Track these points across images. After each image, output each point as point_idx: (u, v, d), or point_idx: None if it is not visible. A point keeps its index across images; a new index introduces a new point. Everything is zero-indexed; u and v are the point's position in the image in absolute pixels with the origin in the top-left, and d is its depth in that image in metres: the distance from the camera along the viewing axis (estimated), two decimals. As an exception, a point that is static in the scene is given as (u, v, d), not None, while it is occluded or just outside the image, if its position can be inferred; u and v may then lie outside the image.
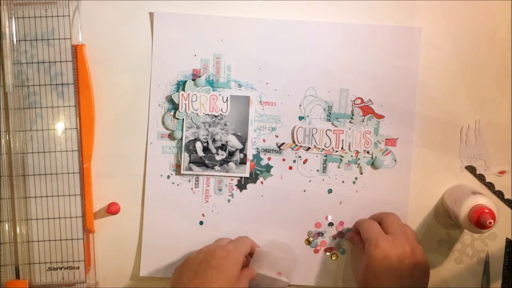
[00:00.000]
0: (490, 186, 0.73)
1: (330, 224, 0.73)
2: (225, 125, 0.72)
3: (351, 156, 0.73)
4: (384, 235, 0.66)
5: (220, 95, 0.72)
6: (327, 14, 0.72)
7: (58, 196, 0.71)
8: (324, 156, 0.73)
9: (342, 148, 0.72)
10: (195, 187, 0.73)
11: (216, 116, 0.72)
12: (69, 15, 0.70)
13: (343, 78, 0.72)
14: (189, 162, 0.72)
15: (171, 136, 0.73)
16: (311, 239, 0.73)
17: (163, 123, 0.73)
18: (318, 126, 0.73)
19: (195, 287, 0.62)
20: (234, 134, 0.72)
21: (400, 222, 0.69)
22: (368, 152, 0.73)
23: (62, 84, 0.71)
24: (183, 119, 0.72)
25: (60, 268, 0.72)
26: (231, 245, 0.67)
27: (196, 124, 0.72)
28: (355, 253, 0.72)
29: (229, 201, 0.73)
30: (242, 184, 0.73)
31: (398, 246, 0.64)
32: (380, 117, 0.72)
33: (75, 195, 0.71)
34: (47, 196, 0.71)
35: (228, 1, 0.72)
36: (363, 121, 0.72)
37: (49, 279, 0.71)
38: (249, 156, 0.73)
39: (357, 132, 0.72)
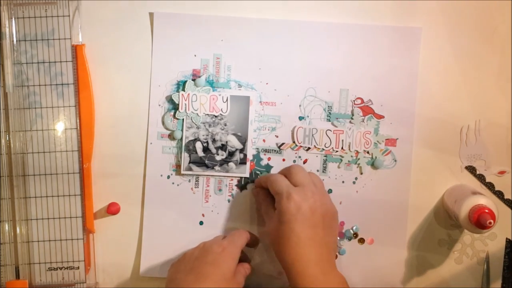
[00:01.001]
0: (490, 186, 0.73)
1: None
2: (225, 125, 0.72)
3: (351, 156, 0.73)
4: (294, 188, 0.66)
5: (220, 95, 0.72)
6: (327, 14, 0.72)
7: (58, 196, 0.71)
8: (324, 156, 0.73)
9: (342, 148, 0.72)
10: (195, 187, 0.73)
11: (216, 116, 0.72)
12: (69, 15, 0.70)
13: (343, 78, 0.72)
14: (189, 162, 0.72)
15: (171, 136, 0.73)
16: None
17: (163, 123, 0.73)
18: (318, 126, 0.73)
19: (191, 283, 0.62)
20: (234, 134, 0.72)
21: (306, 173, 0.68)
22: (368, 152, 0.73)
23: (62, 84, 0.71)
24: (183, 119, 0.72)
25: (60, 268, 0.72)
26: (227, 241, 0.67)
27: (196, 124, 0.72)
28: (260, 210, 0.71)
29: (229, 201, 0.73)
30: (242, 184, 0.73)
31: (309, 196, 0.65)
32: (380, 117, 0.72)
33: (75, 195, 0.71)
34: (47, 196, 0.71)
35: (228, 1, 0.72)
36: (363, 121, 0.72)
37: (49, 279, 0.71)
38: (249, 156, 0.73)
39: (357, 132, 0.72)
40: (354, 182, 0.73)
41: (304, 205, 0.64)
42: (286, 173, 0.69)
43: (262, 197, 0.70)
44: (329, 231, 0.66)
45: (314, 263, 0.63)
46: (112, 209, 0.72)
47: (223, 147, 0.72)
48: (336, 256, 0.73)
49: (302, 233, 0.63)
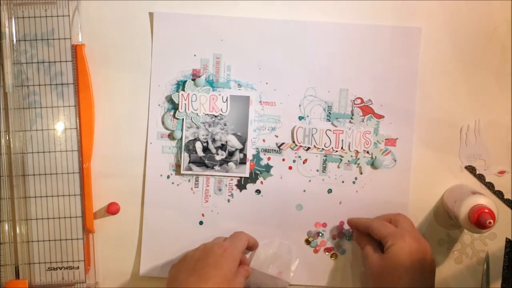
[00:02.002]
0: (490, 186, 0.73)
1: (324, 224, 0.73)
2: (225, 125, 0.72)
3: (351, 156, 0.73)
4: (408, 231, 0.66)
5: (220, 95, 0.72)
6: (327, 14, 0.72)
7: (58, 196, 0.71)
8: (324, 156, 0.73)
9: (342, 148, 0.72)
10: (195, 187, 0.73)
11: (216, 116, 0.72)
12: (69, 15, 0.70)
13: (343, 78, 0.72)
14: (189, 162, 0.72)
15: (171, 136, 0.73)
16: (310, 239, 0.73)
17: (163, 123, 0.73)
18: (318, 126, 0.72)
19: (193, 284, 0.62)
20: (234, 134, 0.72)
21: (411, 222, 0.69)
22: (368, 152, 0.73)
23: (62, 84, 0.71)
24: (183, 119, 0.72)
25: (60, 268, 0.72)
26: (228, 242, 0.67)
27: (196, 124, 0.72)
28: (358, 253, 0.72)
29: (229, 201, 0.73)
30: (242, 184, 0.73)
31: (421, 242, 0.65)
32: (380, 117, 0.72)
33: (75, 195, 0.71)
34: (47, 196, 0.71)
35: (228, 1, 0.72)
36: (363, 121, 0.72)
37: (49, 279, 0.71)
38: (249, 156, 0.73)
39: (357, 132, 0.72)
40: (354, 182, 0.73)
41: (414, 248, 0.64)
42: (389, 220, 0.70)
43: (363, 243, 0.70)
44: (429, 281, 0.65)
45: None
46: (112, 209, 0.72)
47: (223, 147, 0.72)
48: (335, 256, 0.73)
49: (405, 277, 0.63)
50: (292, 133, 0.73)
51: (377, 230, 0.67)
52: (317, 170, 0.73)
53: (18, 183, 0.71)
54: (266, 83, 0.72)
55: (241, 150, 0.72)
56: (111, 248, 0.73)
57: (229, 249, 0.66)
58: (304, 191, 0.73)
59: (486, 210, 0.65)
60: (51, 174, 0.71)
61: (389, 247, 0.65)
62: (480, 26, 0.72)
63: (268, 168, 0.73)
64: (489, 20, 0.71)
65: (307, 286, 0.74)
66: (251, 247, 0.71)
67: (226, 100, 0.72)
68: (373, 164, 0.73)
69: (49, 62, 0.71)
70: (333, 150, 0.73)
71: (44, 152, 0.71)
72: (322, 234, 0.73)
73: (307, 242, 0.73)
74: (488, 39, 0.72)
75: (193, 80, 0.72)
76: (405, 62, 0.72)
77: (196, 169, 0.72)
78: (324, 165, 0.73)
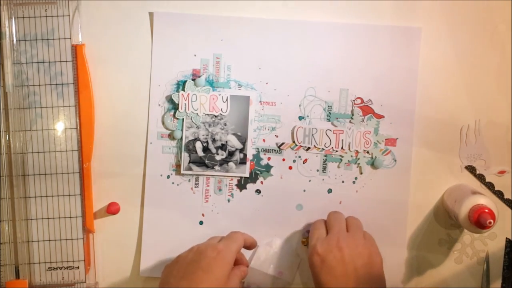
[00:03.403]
0: (490, 186, 0.73)
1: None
2: (225, 125, 0.72)
3: (351, 156, 0.73)
4: (323, 238, 0.67)
5: (220, 95, 0.72)
6: (327, 14, 0.72)
7: (58, 196, 0.71)
8: (324, 156, 0.73)
9: (342, 148, 0.72)
10: (195, 187, 0.73)
11: (216, 116, 0.72)
12: (69, 15, 0.70)
13: (343, 78, 0.72)
14: (189, 162, 0.72)
15: (171, 136, 0.73)
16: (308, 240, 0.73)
17: (163, 123, 0.73)
18: (318, 126, 0.73)
19: None
20: (234, 134, 0.72)
21: (340, 220, 0.70)
22: (368, 152, 0.73)
23: (62, 84, 0.71)
24: (183, 119, 0.72)
25: (60, 268, 0.72)
26: (222, 244, 0.66)
27: (196, 124, 0.72)
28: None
29: (229, 201, 0.73)
30: (242, 184, 0.73)
31: (334, 246, 0.65)
32: (380, 117, 0.72)
33: (75, 195, 0.71)
34: (47, 196, 0.71)
35: (228, 1, 0.72)
36: (363, 121, 0.72)
37: (49, 279, 0.71)
38: (249, 156, 0.73)
39: (357, 132, 0.72)
40: (354, 182, 0.73)
41: (329, 256, 0.64)
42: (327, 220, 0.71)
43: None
44: (364, 281, 0.63)
45: None
46: (112, 209, 0.72)
47: (223, 147, 0.72)
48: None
49: (329, 283, 0.63)
50: (292, 133, 0.73)
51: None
52: (317, 170, 0.73)
53: (18, 183, 0.71)
54: (266, 83, 0.72)
55: (241, 150, 0.72)
56: (111, 248, 0.73)
57: (222, 252, 0.64)
58: (304, 191, 0.73)
59: (486, 210, 0.65)
60: (51, 174, 0.71)
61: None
62: (480, 26, 0.72)
63: (268, 168, 0.73)
64: (489, 20, 0.72)
65: (307, 286, 0.74)
66: (249, 246, 0.71)
67: (226, 100, 0.72)
68: (373, 164, 0.73)
69: (49, 62, 0.71)
70: (333, 150, 0.73)
71: (44, 152, 0.71)
72: None
73: (304, 243, 0.73)
74: (488, 39, 0.72)
75: (193, 80, 0.72)
76: (405, 62, 0.72)
77: (196, 169, 0.72)
78: (324, 165, 0.73)
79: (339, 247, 0.65)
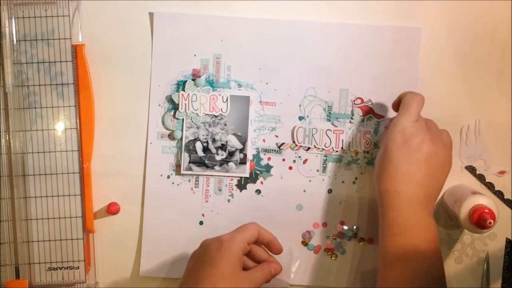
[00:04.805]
0: (490, 186, 0.73)
1: (324, 224, 0.73)
2: (225, 125, 0.72)
3: (351, 156, 0.73)
4: (413, 122, 0.64)
5: (220, 95, 0.72)
6: (327, 14, 0.72)
7: (58, 196, 0.71)
8: (324, 156, 0.73)
9: (342, 148, 0.72)
10: (195, 187, 0.73)
11: (216, 116, 0.72)
12: (69, 15, 0.71)
13: (343, 78, 0.72)
14: (189, 162, 0.72)
15: (171, 136, 0.73)
16: (307, 240, 0.73)
17: (163, 123, 0.73)
18: (318, 126, 0.73)
19: (191, 285, 0.60)
20: (234, 134, 0.72)
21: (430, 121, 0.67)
22: (368, 152, 0.73)
23: (62, 84, 0.71)
24: (183, 119, 0.72)
25: (60, 268, 0.72)
26: (227, 235, 0.63)
27: (196, 124, 0.72)
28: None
29: (229, 201, 0.73)
30: (242, 184, 0.73)
31: (422, 135, 0.62)
32: (380, 117, 0.72)
33: (75, 195, 0.71)
34: (47, 196, 0.71)
35: (228, 1, 0.72)
36: (363, 121, 0.72)
37: (49, 279, 0.71)
38: (249, 156, 0.73)
39: (357, 132, 0.72)
40: (354, 182, 0.73)
41: (414, 140, 0.62)
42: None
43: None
44: (433, 176, 0.63)
45: (404, 200, 0.61)
46: (112, 209, 0.72)
47: (223, 147, 0.72)
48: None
49: (400, 167, 0.62)
50: (292, 133, 0.73)
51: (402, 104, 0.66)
52: (317, 170, 0.73)
53: (18, 183, 0.71)
54: (266, 83, 0.72)
55: (241, 150, 0.72)
56: (111, 248, 0.73)
57: (226, 242, 0.61)
58: (304, 191, 0.73)
59: (486, 210, 0.65)
60: (51, 174, 0.71)
61: (388, 129, 0.65)
62: (480, 26, 0.72)
63: (268, 168, 0.73)
64: (489, 20, 0.71)
65: (307, 286, 0.74)
66: (267, 243, 0.67)
67: (226, 100, 0.72)
68: (373, 164, 0.73)
69: (49, 62, 0.71)
70: (333, 150, 0.73)
71: (44, 152, 0.71)
72: (314, 233, 0.73)
73: (304, 243, 0.73)
74: (488, 39, 0.72)
75: (193, 80, 0.72)
76: (405, 62, 0.72)
77: (196, 169, 0.72)
78: (324, 165, 0.73)
79: (426, 139, 0.63)
